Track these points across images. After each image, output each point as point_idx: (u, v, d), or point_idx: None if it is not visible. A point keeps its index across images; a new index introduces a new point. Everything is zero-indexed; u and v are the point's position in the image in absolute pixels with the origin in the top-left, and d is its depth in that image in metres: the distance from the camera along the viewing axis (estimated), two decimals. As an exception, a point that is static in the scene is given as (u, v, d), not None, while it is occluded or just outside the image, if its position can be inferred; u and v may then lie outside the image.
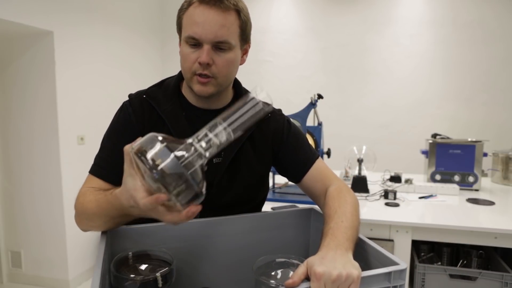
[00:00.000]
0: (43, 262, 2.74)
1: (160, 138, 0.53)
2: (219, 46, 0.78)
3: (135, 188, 0.56)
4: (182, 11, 0.80)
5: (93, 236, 2.95)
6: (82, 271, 2.83)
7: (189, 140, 0.56)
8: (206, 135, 0.56)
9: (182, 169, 0.52)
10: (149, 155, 0.52)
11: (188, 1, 0.79)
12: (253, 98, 0.58)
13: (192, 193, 0.53)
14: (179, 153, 0.53)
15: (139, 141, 0.54)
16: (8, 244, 2.81)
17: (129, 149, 0.56)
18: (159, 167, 0.51)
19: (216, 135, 0.56)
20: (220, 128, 0.57)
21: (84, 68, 2.82)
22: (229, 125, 0.57)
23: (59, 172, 2.61)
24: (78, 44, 2.75)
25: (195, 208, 0.55)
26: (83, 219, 0.77)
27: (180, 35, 0.83)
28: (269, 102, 0.61)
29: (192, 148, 0.55)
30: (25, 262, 2.78)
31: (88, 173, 0.85)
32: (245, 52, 0.87)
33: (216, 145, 0.56)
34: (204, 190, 0.55)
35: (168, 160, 0.51)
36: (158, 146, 0.52)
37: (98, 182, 0.82)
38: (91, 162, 0.88)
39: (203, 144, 0.56)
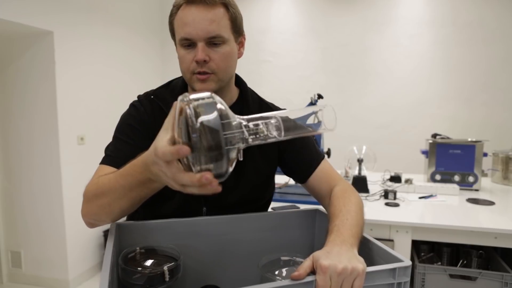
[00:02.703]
0: (43, 262, 2.74)
1: (218, 106, 0.52)
2: (213, 42, 0.78)
3: (162, 139, 0.53)
4: (172, 16, 0.82)
5: (93, 236, 2.95)
6: (82, 271, 2.83)
7: (240, 120, 0.54)
8: (257, 120, 0.54)
9: (221, 137, 0.49)
10: (199, 109, 0.50)
11: (176, 5, 0.80)
12: (318, 112, 0.58)
13: (221, 167, 0.50)
14: (225, 121, 0.51)
15: (197, 95, 0.52)
16: (8, 244, 2.80)
17: (181, 97, 0.53)
18: (202, 120, 0.48)
19: (266, 125, 0.54)
20: (273, 121, 0.55)
21: (84, 68, 2.81)
22: (284, 122, 0.55)
23: (59, 172, 2.61)
24: (78, 44, 2.75)
25: (210, 175, 0.49)
26: (94, 202, 0.72)
27: (174, 41, 0.84)
28: (330, 127, 0.60)
29: (241, 126, 0.53)
30: (25, 262, 2.78)
31: (99, 164, 0.83)
32: (241, 44, 0.87)
33: (263, 134, 0.54)
34: (229, 171, 0.51)
35: (213, 118, 0.49)
36: (212, 108, 0.50)
37: (112, 171, 0.78)
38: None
39: (251, 126, 0.53)
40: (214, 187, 0.50)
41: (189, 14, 0.77)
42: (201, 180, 0.49)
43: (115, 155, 0.82)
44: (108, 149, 0.85)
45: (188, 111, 0.49)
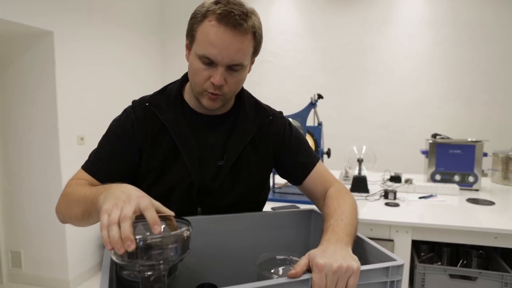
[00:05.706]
0: (43, 262, 2.74)
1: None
2: (232, 68, 0.78)
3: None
4: (196, 23, 0.77)
5: (93, 236, 2.95)
6: (82, 271, 2.83)
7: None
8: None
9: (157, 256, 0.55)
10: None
11: (203, 12, 0.75)
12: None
13: (134, 264, 0.55)
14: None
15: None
16: (8, 244, 2.80)
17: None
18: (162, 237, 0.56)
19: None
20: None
21: (84, 68, 2.81)
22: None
23: (59, 172, 2.61)
24: (78, 44, 2.74)
25: (133, 246, 0.53)
26: (62, 204, 0.79)
27: (190, 43, 0.81)
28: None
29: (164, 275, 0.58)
30: (25, 262, 2.78)
31: (81, 167, 0.87)
32: (252, 62, 0.87)
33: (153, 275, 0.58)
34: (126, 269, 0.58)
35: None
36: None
37: (88, 178, 0.84)
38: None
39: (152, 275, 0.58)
40: (119, 249, 0.52)
41: (218, 35, 0.73)
42: (129, 236, 0.52)
43: (96, 165, 0.85)
44: (91, 155, 0.88)
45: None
